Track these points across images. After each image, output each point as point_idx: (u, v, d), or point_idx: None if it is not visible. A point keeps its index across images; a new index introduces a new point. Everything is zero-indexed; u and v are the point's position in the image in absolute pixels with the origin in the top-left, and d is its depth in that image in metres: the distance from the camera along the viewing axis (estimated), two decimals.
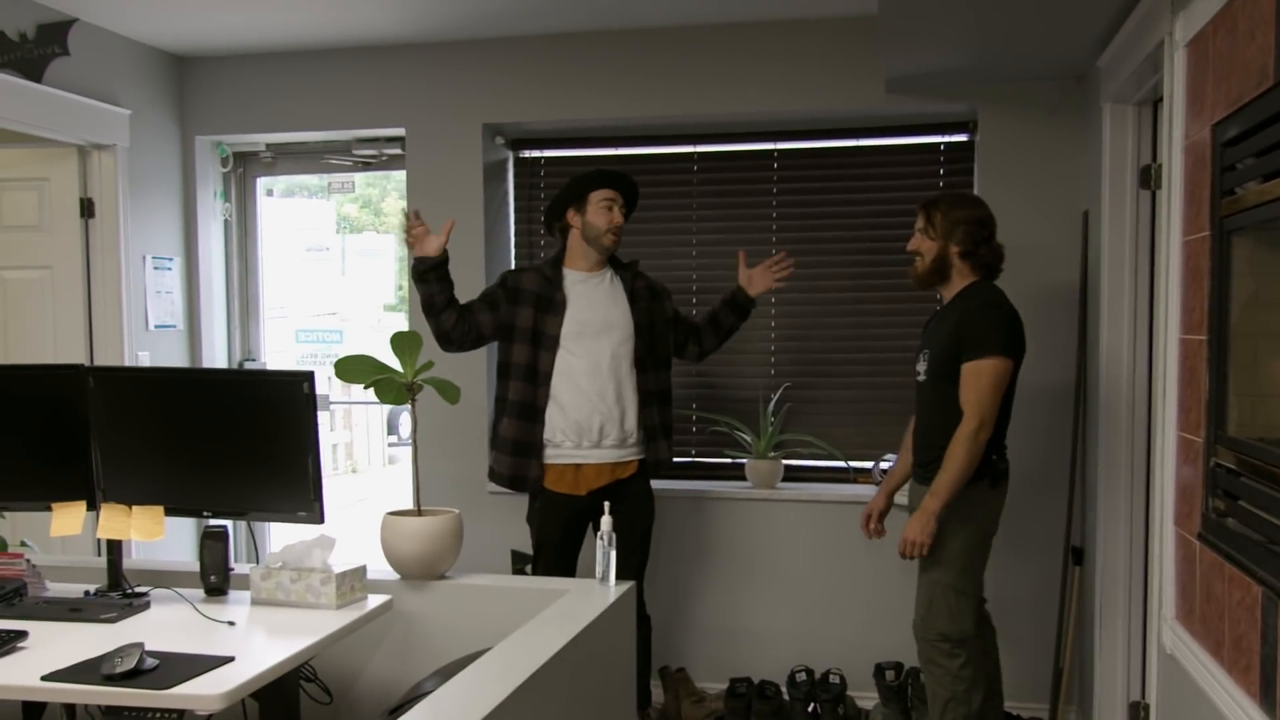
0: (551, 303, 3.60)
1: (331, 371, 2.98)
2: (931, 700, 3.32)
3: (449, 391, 2.91)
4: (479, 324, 3.61)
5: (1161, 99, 2.77)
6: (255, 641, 2.36)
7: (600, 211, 3.61)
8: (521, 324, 3.60)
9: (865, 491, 4.26)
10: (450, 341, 3.61)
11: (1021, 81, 4.03)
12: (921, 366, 3.36)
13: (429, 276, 3.53)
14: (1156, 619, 2.70)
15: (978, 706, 3.27)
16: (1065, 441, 3.97)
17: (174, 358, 4.68)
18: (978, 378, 3.13)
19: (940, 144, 4.33)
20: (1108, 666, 3.61)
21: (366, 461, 12.10)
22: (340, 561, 2.62)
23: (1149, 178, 3.41)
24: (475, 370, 4.41)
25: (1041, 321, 3.85)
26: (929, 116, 4.28)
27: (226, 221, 5.00)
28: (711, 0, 4.00)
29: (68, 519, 2.66)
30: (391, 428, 12.30)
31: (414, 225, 3.57)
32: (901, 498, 3.98)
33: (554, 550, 3.62)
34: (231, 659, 2.19)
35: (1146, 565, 3.46)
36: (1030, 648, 4.06)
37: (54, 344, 4.31)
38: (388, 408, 12.18)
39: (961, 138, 4.29)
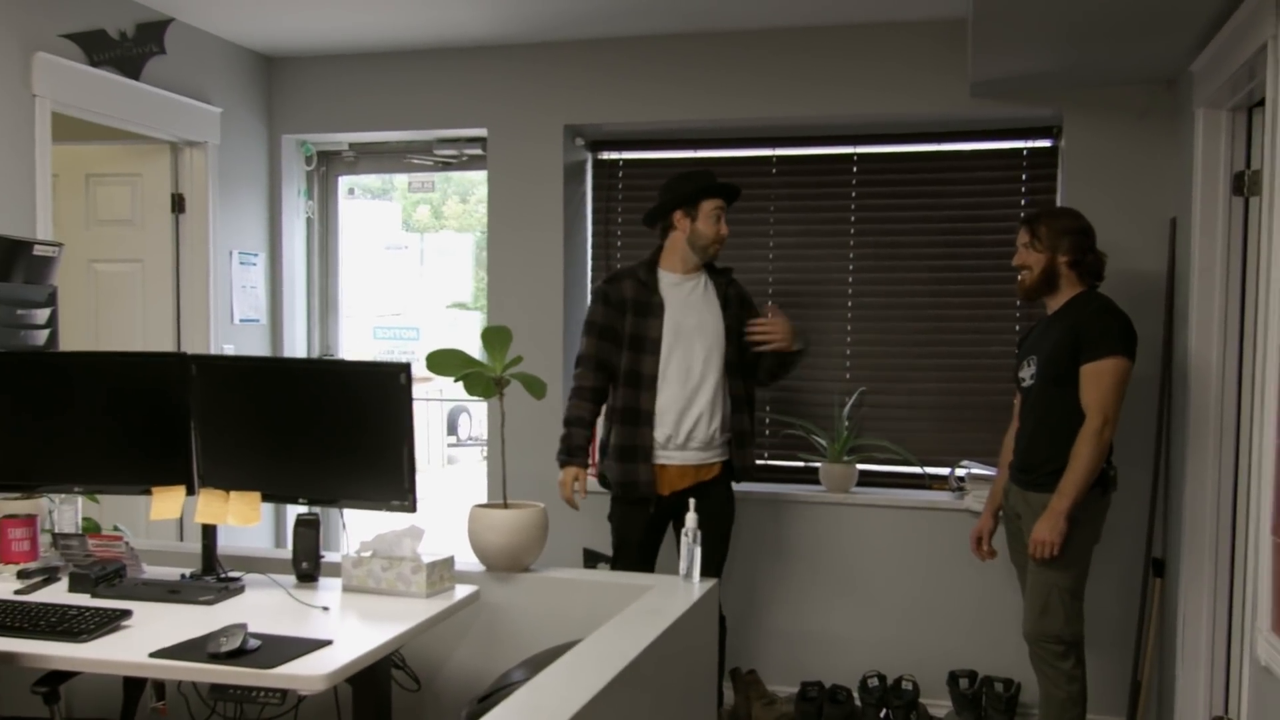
0: (649, 307, 3.62)
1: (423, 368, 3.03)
2: (1046, 703, 3.34)
3: (536, 387, 2.95)
4: (613, 369, 3.65)
5: (1257, 104, 2.73)
6: (350, 626, 2.41)
7: (711, 220, 3.63)
8: (624, 330, 3.62)
9: (940, 498, 4.24)
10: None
11: (1109, 86, 3.98)
12: (1027, 373, 3.38)
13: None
14: (1243, 631, 2.66)
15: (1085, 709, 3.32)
16: (1147, 451, 3.91)
17: (256, 351, 4.77)
18: (1099, 378, 3.20)
19: (1023, 149, 4.30)
20: (1189, 680, 3.55)
21: (427, 461, 12.23)
22: (428, 552, 2.66)
23: (1243, 184, 3.36)
24: (553, 367, 4.45)
25: None
26: (1013, 121, 4.24)
27: (309, 219, 5.09)
28: (792, 3, 4.00)
29: (167, 503, 2.73)
30: (452, 428, 12.42)
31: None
32: (976, 504, 3.96)
33: (635, 549, 3.64)
34: (330, 642, 2.23)
35: (1233, 577, 3.41)
36: (1108, 659, 4.00)
37: (143, 335, 4.42)
38: (449, 408, 12.34)
39: (1045, 143, 4.25)
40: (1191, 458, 3.54)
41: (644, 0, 3.98)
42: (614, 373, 3.65)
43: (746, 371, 3.72)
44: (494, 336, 2.91)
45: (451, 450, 12.42)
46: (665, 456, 3.59)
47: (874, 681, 4.07)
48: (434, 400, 11.75)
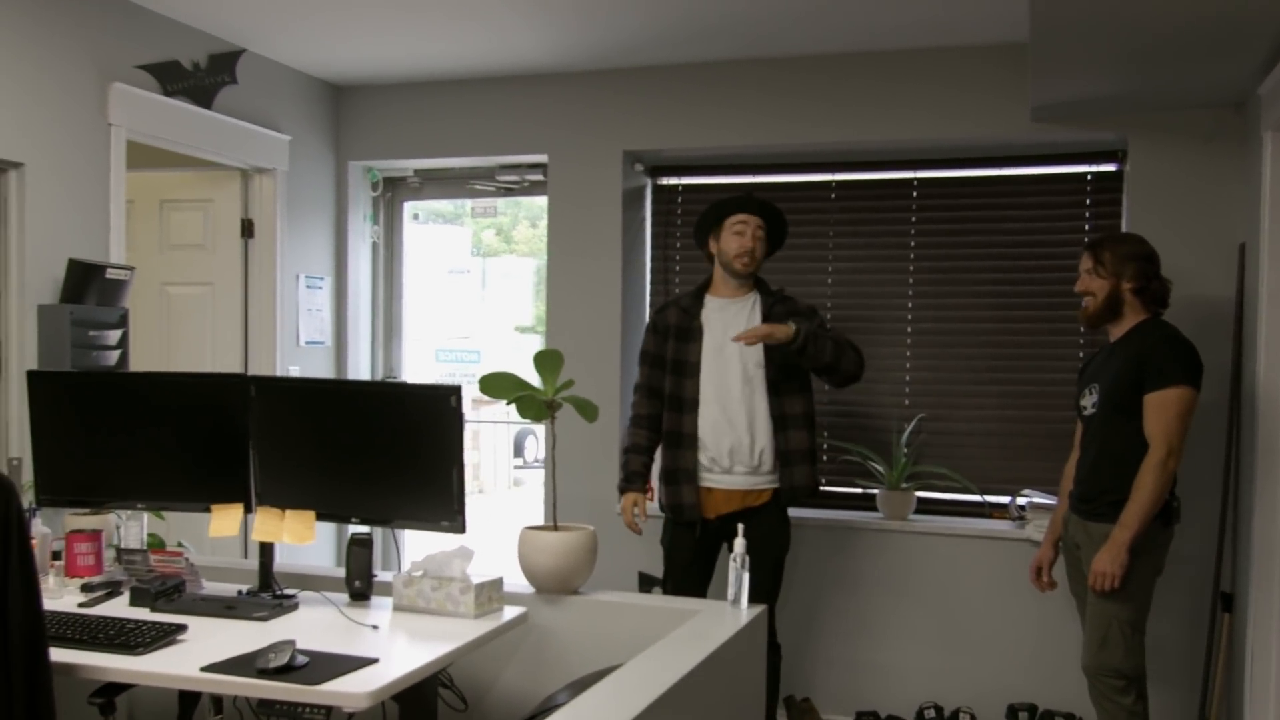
0: (689, 331, 3.64)
1: (476, 390, 3.07)
2: None
3: (588, 410, 2.97)
4: (663, 396, 3.69)
5: None
6: (398, 645, 2.44)
7: (732, 236, 3.63)
8: (667, 356, 3.66)
9: (1000, 527, 4.17)
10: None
11: (1175, 109, 3.92)
12: (1089, 401, 3.33)
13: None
14: None
15: None
16: (1215, 481, 3.81)
17: (321, 373, 4.87)
18: (1164, 408, 3.14)
19: (1087, 174, 4.24)
20: (1258, 718, 3.43)
21: (493, 483, 12.33)
22: (478, 573, 2.68)
23: None
24: (609, 390, 4.47)
25: None
26: (1076, 145, 4.19)
27: (374, 244, 5.19)
28: (851, 29, 4.00)
29: (226, 520, 2.80)
30: (518, 450, 12.51)
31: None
32: (1036, 533, 3.89)
33: (682, 572, 3.64)
34: (376, 660, 2.26)
35: None
36: (1175, 695, 3.89)
37: (212, 356, 4.53)
38: (515, 430, 12.45)
39: (1110, 167, 4.19)
40: (1261, 487, 3.45)
41: (702, 27, 4.01)
42: (660, 407, 3.67)
43: (803, 387, 3.64)
44: (546, 360, 2.94)
45: (518, 472, 12.51)
46: (711, 480, 3.59)
47: (931, 713, 4.01)
48: (501, 423, 11.89)
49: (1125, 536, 3.13)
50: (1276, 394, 3.42)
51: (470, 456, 12.15)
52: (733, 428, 3.57)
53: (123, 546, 3.04)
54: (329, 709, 2.19)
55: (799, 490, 3.62)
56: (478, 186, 5.09)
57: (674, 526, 3.66)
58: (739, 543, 2.74)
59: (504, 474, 12.48)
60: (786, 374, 3.61)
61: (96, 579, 2.87)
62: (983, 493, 4.26)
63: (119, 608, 2.66)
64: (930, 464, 4.31)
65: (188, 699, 2.60)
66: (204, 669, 2.20)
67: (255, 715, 2.69)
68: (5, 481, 2.03)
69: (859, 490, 4.42)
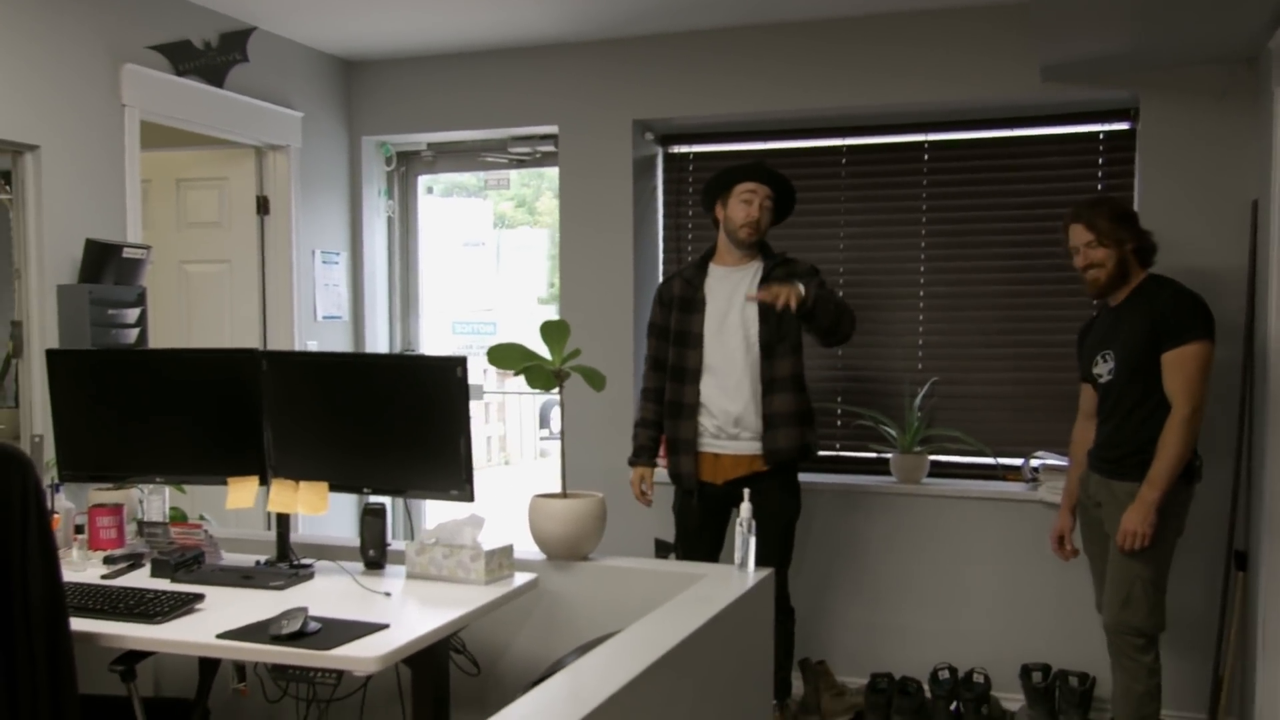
0: (693, 302, 3.67)
1: (486, 361, 3.11)
2: (1124, 696, 3.29)
3: (595, 379, 3.00)
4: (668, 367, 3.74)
5: None
6: (409, 611, 2.49)
7: (739, 205, 3.64)
8: (671, 327, 3.69)
9: (1014, 489, 4.18)
10: None
11: (1186, 66, 3.88)
12: (1105, 368, 3.33)
13: None
14: None
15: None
16: (1229, 441, 3.81)
17: (339, 347, 4.93)
18: (1184, 364, 3.15)
19: (1099, 133, 4.21)
20: (1271, 675, 3.44)
21: (519, 454, 12.41)
22: (489, 540, 2.73)
23: None
24: (622, 360, 4.51)
25: None
26: (1087, 104, 4.16)
27: (390, 218, 5.23)
28: None
29: (242, 493, 2.86)
30: (544, 421, 12.59)
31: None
32: (1053, 495, 3.90)
33: (693, 537, 3.69)
34: (387, 626, 2.32)
35: None
36: (1189, 655, 3.90)
37: (230, 332, 4.60)
38: (540, 402, 12.51)
39: (1122, 126, 4.16)
40: (1274, 446, 3.44)
41: None
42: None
43: (794, 349, 3.64)
44: (552, 330, 2.97)
45: (544, 444, 12.59)
46: (719, 446, 3.63)
47: (945, 674, 4.04)
48: (526, 394, 11.95)
49: (1154, 495, 3.15)
50: None
51: (496, 428, 12.22)
52: (738, 395, 3.60)
53: (144, 520, 3.11)
54: (340, 673, 2.25)
55: (782, 452, 3.59)
56: (490, 159, 5.12)
57: (681, 494, 3.71)
58: (745, 507, 2.78)
59: (530, 445, 12.56)
60: (780, 336, 3.61)
61: (118, 551, 2.94)
62: (996, 455, 4.27)
63: (140, 579, 2.73)
64: (943, 427, 4.33)
65: (208, 667, 2.66)
66: (219, 636, 2.26)
67: (277, 684, 2.77)
68: (22, 457, 2.09)
69: (873, 454, 4.44)
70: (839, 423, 4.51)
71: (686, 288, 3.71)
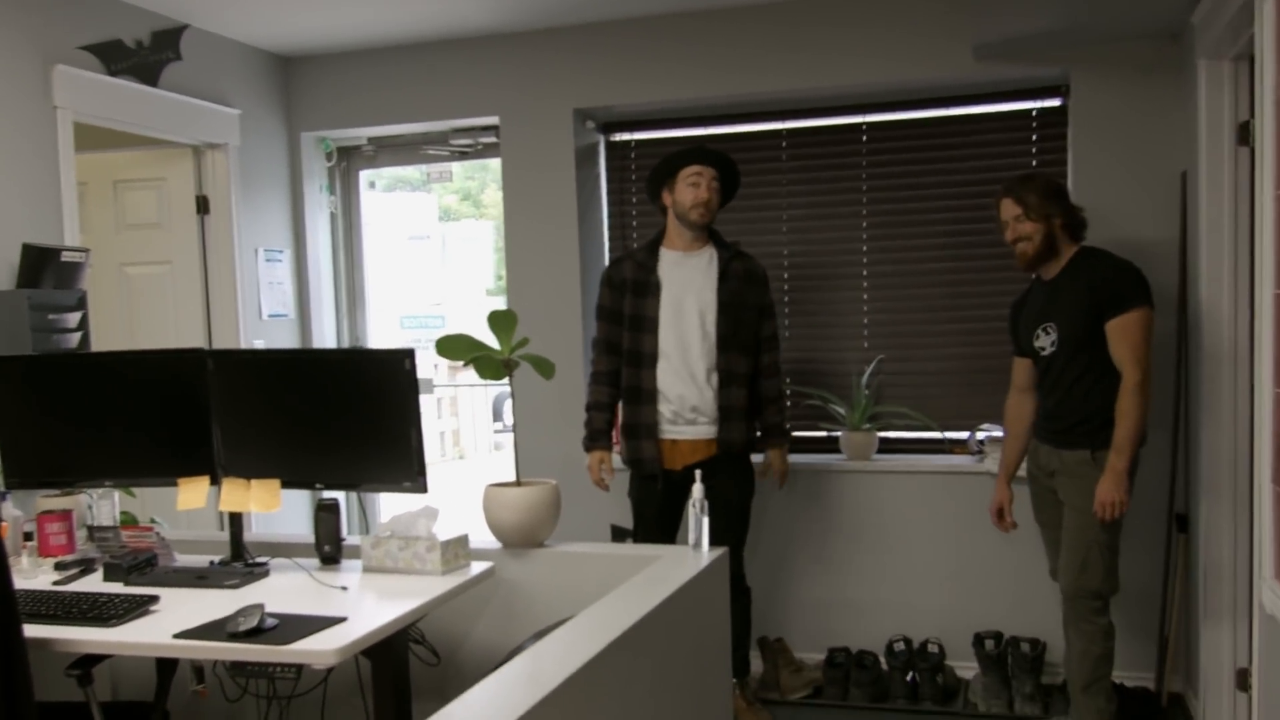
0: (647, 286, 3.69)
1: (435, 354, 3.11)
2: (1080, 659, 3.37)
3: (544, 367, 3.02)
4: (621, 351, 3.77)
5: None
6: (366, 604, 2.50)
7: (687, 188, 3.67)
8: (625, 311, 3.70)
9: (961, 462, 4.26)
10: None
11: (1115, 42, 3.96)
12: (1047, 340, 3.39)
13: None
14: (1250, 581, 2.67)
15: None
16: (1167, 407, 3.91)
17: (287, 345, 4.88)
18: (1128, 331, 3.23)
19: (1032, 110, 4.29)
20: (1213, 634, 3.55)
21: (473, 448, 12.39)
22: (444, 531, 2.74)
23: (1247, 134, 3.34)
24: (572, 348, 4.52)
25: None
26: (1020, 82, 4.23)
27: (333, 214, 5.20)
28: None
29: (192, 493, 2.84)
30: (497, 415, 12.58)
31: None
32: (995, 466, 3.97)
33: (652, 522, 3.72)
34: (344, 619, 2.32)
35: (1251, 529, 3.40)
36: (1135, 617, 4.01)
37: (175, 334, 4.55)
38: (493, 395, 12.49)
39: (1054, 102, 4.24)
40: (1208, 411, 3.54)
41: None
42: (619, 361, 3.73)
43: (746, 348, 3.73)
44: (500, 320, 2.98)
45: (498, 436, 12.58)
46: (675, 432, 3.66)
47: (900, 645, 4.11)
48: (478, 386, 11.93)
49: (1123, 463, 3.24)
50: (1219, 319, 3.50)
51: (449, 423, 12.19)
52: (694, 380, 3.63)
53: (94, 525, 3.08)
54: (299, 667, 2.26)
55: (735, 444, 3.70)
56: (431, 151, 5.10)
57: (639, 479, 3.74)
58: (697, 488, 2.81)
59: (484, 439, 12.54)
60: (735, 332, 3.67)
61: (69, 557, 2.91)
62: (942, 429, 4.35)
63: (93, 583, 2.70)
64: (890, 404, 4.39)
65: (166, 668, 2.65)
66: (176, 636, 2.25)
67: (236, 682, 2.76)
68: None
69: (823, 434, 4.49)
70: (789, 403, 4.55)
71: (639, 270, 3.72)
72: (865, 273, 4.47)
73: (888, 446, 4.44)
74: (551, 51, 4.59)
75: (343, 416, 2.73)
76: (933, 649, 4.09)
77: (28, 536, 2.97)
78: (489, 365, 2.97)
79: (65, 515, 3.00)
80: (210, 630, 2.27)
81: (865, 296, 4.49)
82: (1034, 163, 4.27)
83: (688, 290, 3.68)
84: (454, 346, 2.99)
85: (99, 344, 3.88)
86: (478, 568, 2.75)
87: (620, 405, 3.77)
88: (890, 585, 4.33)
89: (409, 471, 2.68)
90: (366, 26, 4.51)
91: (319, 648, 2.17)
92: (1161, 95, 3.96)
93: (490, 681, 1.88)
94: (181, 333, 4.55)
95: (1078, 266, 3.36)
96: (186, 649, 2.24)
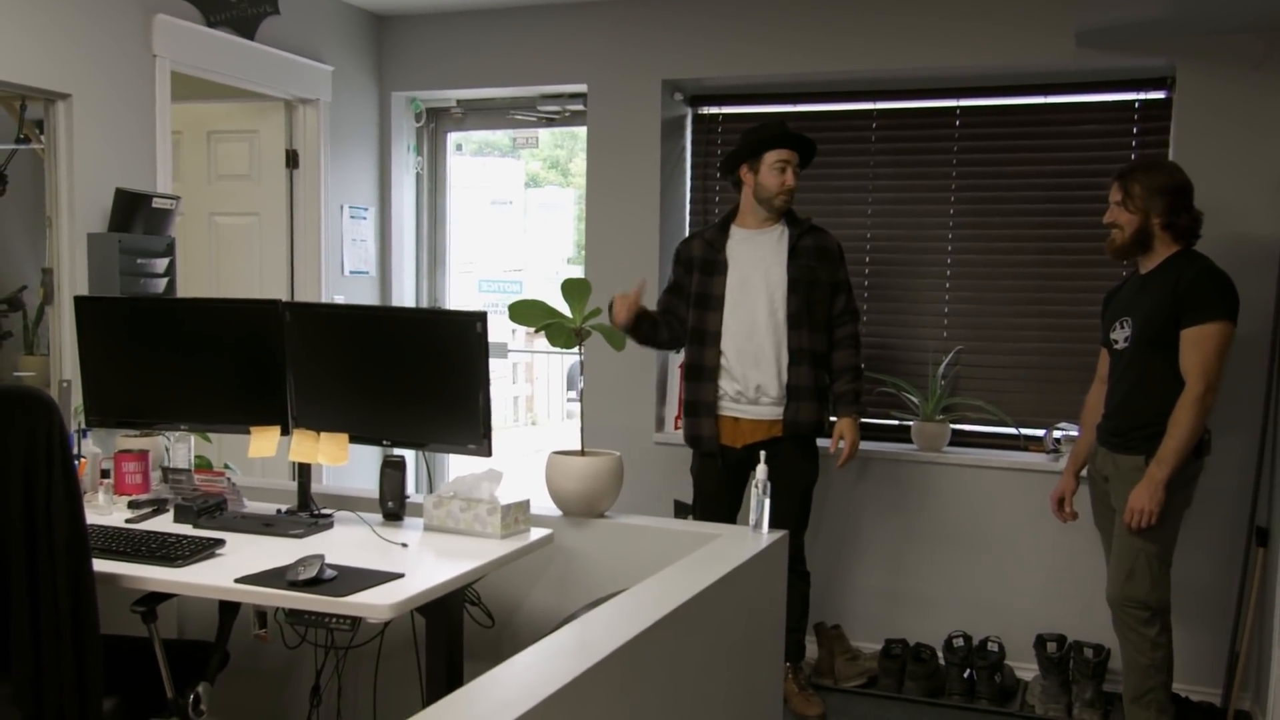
0: (715, 265, 3.67)
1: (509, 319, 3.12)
2: (1130, 669, 3.29)
3: (615, 338, 3.02)
4: (683, 319, 3.75)
5: None
6: (424, 562, 2.52)
7: (773, 173, 3.63)
8: (693, 289, 3.69)
9: (1035, 460, 4.17)
10: (675, 347, 3.90)
11: (1224, 34, 3.81)
12: (1121, 335, 3.30)
13: (629, 337, 3.57)
14: None
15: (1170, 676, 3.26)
16: (1254, 416, 3.77)
17: (366, 303, 4.95)
18: (1202, 343, 3.11)
19: (1134, 101, 4.14)
20: None
21: (546, 415, 12.46)
22: (506, 495, 2.76)
23: None
24: None
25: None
26: (1123, 72, 4.09)
27: (419, 175, 5.24)
28: None
29: (263, 442, 2.89)
30: (571, 383, 12.63)
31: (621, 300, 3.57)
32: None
33: (711, 500, 3.70)
34: (402, 575, 2.35)
35: None
36: (1205, 630, 3.89)
37: (260, 284, 4.64)
38: (569, 363, 12.56)
39: (1158, 94, 4.09)
40: None
41: None
42: (678, 329, 3.73)
43: (820, 324, 3.68)
44: (573, 288, 2.98)
45: (571, 405, 12.64)
46: (738, 410, 3.63)
47: (959, 641, 4.05)
48: (554, 353, 12.00)
49: (1163, 474, 3.12)
50: None
51: (523, 388, 12.28)
52: (759, 359, 3.60)
53: (169, 466, 3.16)
54: (356, 620, 2.29)
55: (802, 425, 3.65)
56: (519, 116, 5.11)
57: (700, 456, 3.72)
58: (760, 469, 2.78)
59: (557, 406, 12.61)
60: (808, 309, 3.63)
61: (143, 497, 2.99)
62: (1019, 426, 4.25)
63: (163, 524, 2.77)
64: (966, 396, 4.31)
65: (228, 611, 2.70)
66: (237, 580, 2.30)
67: (295, 630, 2.81)
68: (46, 400, 2.13)
69: (894, 422, 4.43)
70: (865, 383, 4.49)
71: (708, 249, 3.70)
72: (949, 260, 4.38)
73: (960, 439, 4.36)
74: (642, 21, 4.56)
75: (413, 375, 2.75)
76: (992, 647, 4.02)
77: (105, 474, 3.05)
78: (560, 333, 2.98)
79: (142, 455, 3.09)
80: (270, 577, 2.31)
81: (947, 285, 4.40)
82: (1133, 156, 4.13)
83: (755, 268, 3.65)
84: (527, 312, 3.00)
85: (185, 290, 3.97)
86: (537, 534, 2.76)
87: (683, 383, 3.75)
88: (953, 580, 4.26)
89: (475, 434, 2.70)
90: None
91: (375, 601, 2.20)
92: (1271, 90, 3.80)
93: (539, 647, 1.88)
94: (266, 284, 4.64)
95: (1171, 266, 3.24)
96: (246, 594, 2.29)
